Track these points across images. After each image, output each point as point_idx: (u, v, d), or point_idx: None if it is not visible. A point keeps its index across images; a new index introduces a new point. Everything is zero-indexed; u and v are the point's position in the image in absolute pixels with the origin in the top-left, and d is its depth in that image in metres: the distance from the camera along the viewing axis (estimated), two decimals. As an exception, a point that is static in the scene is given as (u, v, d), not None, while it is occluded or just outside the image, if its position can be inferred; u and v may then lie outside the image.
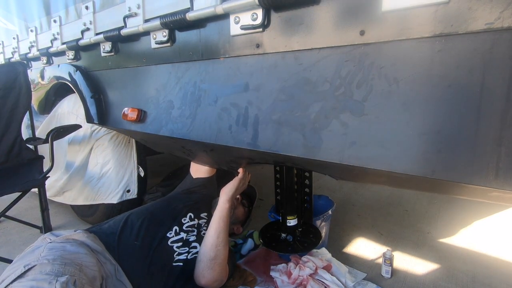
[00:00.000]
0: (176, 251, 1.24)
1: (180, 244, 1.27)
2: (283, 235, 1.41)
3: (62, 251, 0.98)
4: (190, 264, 1.24)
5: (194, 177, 1.62)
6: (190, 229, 1.35)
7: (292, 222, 1.38)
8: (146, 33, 1.23)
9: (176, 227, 1.31)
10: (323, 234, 1.58)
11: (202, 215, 1.44)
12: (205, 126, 1.06)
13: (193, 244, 1.31)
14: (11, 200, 1.60)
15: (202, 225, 1.40)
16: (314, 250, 1.50)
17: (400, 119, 0.69)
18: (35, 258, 0.92)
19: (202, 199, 1.53)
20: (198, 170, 1.62)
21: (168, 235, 1.28)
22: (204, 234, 1.34)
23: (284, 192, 1.40)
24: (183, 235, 1.31)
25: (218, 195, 1.69)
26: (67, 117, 1.95)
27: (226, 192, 1.35)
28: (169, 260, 1.22)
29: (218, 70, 1.04)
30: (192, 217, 1.40)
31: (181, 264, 1.23)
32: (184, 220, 1.37)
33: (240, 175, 1.38)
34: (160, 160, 3.38)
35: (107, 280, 1.02)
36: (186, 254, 1.26)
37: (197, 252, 1.27)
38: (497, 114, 0.58)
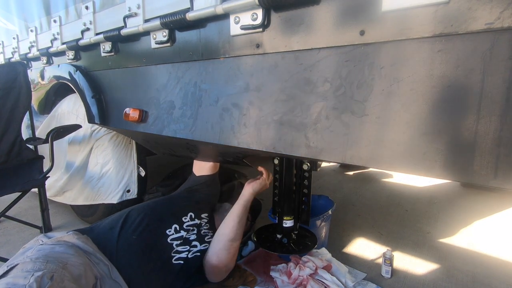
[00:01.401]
0: (175, 249, 1.25)
1: (179, 242, 1.28)
2: (278, 236, 1.41)
3: (49, 251, 0.98)
4: (191, 263, 1.25)
5: (197, 175, 1.63)
6: (190, 228, 1.35)
7: (288, 223, 1.38)
8: (146, 33, 1.23)
9: (176, 225, 1.32)
10: (323, 234, 1.58)
11: (203, 215, 1.44)
12: (207, 126, 1.06)
13: (194, 243, 1.31)
14: (11, 200, 1.60)
15: (203, 224, 1.41)
16: (314, 250, 1.50)
17: (400, 119, 0.69)
18: (22, 258, 0.93)
19: (204, 200, 1.53)
20: (201, 168, 1.63)
21: (167, 232, 1.28)
22: (204, 233, 1.36)
23: (282, 191, 1.40)
24: (183, 233, 1.31)
25: (219, 196, 1.71)
26: (67, 117, 1.95)
27: (253, 186, 1.40)
28: (168, 257, 1.22)
29: (218, 70, 1.04)
30: (193, 216, 1.40)
31: (182, 262, 1.23)
32: (185, 219, 1.37)
33: (264, 176, 1.44)
34: (160, 160, 3.38)
35: (102, 280, 1.03)
36: (187, 253, 1.26)
37: (198, 251, 1.28)
38: (497, 114, 0.58)
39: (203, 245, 1.33)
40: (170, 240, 1.27)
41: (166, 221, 1.32)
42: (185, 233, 1.32)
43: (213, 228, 1.45)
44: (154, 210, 1.34)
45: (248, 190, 1.39)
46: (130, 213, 1.29)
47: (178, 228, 1.32)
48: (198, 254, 1.29)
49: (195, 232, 1.35)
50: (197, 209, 1.45)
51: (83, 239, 1.12)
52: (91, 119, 1.60)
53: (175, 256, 1.24)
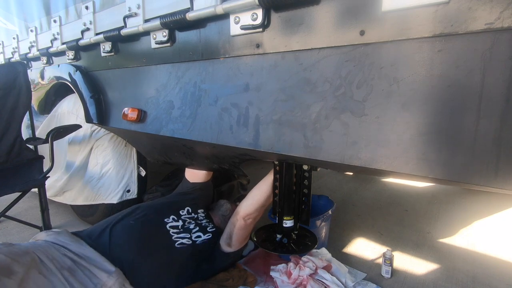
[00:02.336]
0: (174, 236, 1.31)
1: (178, 230, 1.34)
2: (279, 236, 1.41)
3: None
4: (199, 247, 1.32)
5: (191, 181, 1.66)
6: (187, 219, 1.42)
7: (288, 223, 1.37)
8: (146, 33, 1.23)
9: (173, 216, 1.39)
10: (323, 234, 1.58)
11: (199, 211, 1.51)
12: (206, 126, 1.06)
13: (197, 233, 1.38)
14: (11, 200, 1.60)
15: (200, 218, 1.47)
16: (314, 250, 1.50)
17: (400, 119, 0.69)
18: None
19: (200, 197, 1.59)
20: (195, 175, 1.65)
21: (165, 220, 1.35)
22: (205, 225, 1.44)
23: (282, 191, 1.40)
24: (181, 222, 1.38)
25: (216, 196, 1.74)
26: (67, 117, 1.95)
27: None
28: (169, 241, 1.28)
29: (218, 70, 1.04)
30: (190, 211, 1.47)
31: (186, 246, 1.29)
32: (182, 212, 1.44)
33: None
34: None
35: (71, 270, 1.02)
36: (189, 239, 1.33)
37: (204, 240, 1.36)
38: (497, 114, 0.58)
39: (207, 235, 1.40)
40: (169, 227, 1.33)
41: (164, 213, 1.39)
42: (182, 222, 1.39)
43: (212, 221, 1.52)
44: (151, 206, 1.42)
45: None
46: (127, 209, 1.36)
47: (176, 218, 1.39)
48: (206, 241, 1.36)
49: (193, 223, 1.41)
50: (193, 204, 1.52)
51: (55, 235, 1.14)
52: (89, 119, 1.60)
53: (177, 241, 1.29)
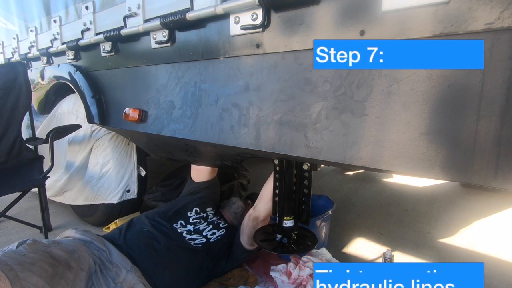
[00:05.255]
0: (187, 237, 1.33)
1: (189, 235, 1.35)
2: (279, 236, 1.41)
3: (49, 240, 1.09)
4: (214, 245, 1.34)
5: (196, 181, 1.66)
6: (197, 220, 1.43)
7: (288, 223, 1.37)
8: (146, 33, 1.23)
9: (182, 221, 1.40)
10: (323, 234, 1.58)
11: (208, 209, 1.52)
12: (207, 126, 1.06)
13: (211, 231, 1.40)
14: (11, 200, 1.60)
15: (210, 217, 1.48)
16: (314, 250, 1.49)
17: (400, 119, 0.69)
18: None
19: (206, 196, 1.60)
20: (200, 174, 1.65)
21: (174, 226, 1.37)
22: (217, 222, 1.46)
23: (282, 191, 1.39)
24: (190, 227, 1.39)
25: (220, 195, 1.75)
26: (67, 117, 1.95)
27: None
28: (183, 242, 1.30)
29: (218, 70, 1.04)
30: (198, 211, 1.48)
31: (202, 245, 1.31)
32: (190, 213, 1.45)
33: None
34: (160, 160, 3.38)
35: (102, 265, 1.10)
36: (204, 239, 1.35)
37: (218, 236, 1.39)
38: (497, 114, 0.58)
39: (220, 231, 1.43)
40: (179, 230, 1.35)
41: (172, 218, 1.40)
42: (192, 226, 1.40)
43: (223, 218, 1.54)
44: (159, 213, 1.42)
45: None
46: (133, 219, 1.39)
47: (184, 223, 1.40)
48: (220, 238, 1.39)
49: (204, 223, 1.43)
50: (201, 203, 1.53)
51: (81, 232, 1.21)
52: (90, 119, 1.60)
53: (191, 242, 1.31)
